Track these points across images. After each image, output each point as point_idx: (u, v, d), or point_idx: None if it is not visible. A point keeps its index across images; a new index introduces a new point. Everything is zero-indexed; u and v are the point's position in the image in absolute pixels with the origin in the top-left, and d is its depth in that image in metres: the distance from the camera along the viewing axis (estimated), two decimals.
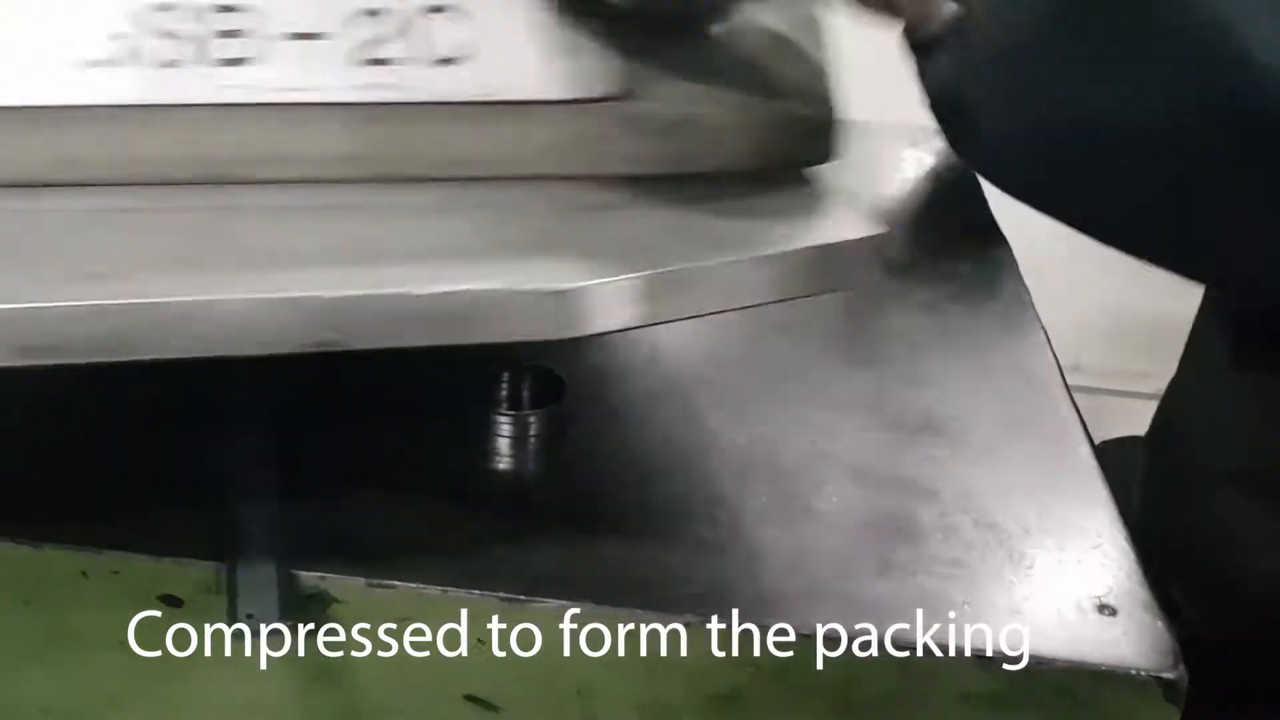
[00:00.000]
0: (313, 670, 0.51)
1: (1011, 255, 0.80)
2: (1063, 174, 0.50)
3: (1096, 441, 0.85)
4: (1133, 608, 0.51)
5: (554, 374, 0.60)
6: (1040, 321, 0.73)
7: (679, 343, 0.67)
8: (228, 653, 0.50)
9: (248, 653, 0.50)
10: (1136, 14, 0.47)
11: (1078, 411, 0.64)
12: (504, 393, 0.61)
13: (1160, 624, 0.50)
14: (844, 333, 0.71)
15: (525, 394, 0.61)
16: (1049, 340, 0.71)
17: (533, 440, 0.58)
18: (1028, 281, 0.76)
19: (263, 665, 0.50)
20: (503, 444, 0.58)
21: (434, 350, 0.62)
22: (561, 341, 0.57)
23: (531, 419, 0.58)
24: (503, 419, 0.58)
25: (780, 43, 0.55)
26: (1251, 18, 0.44)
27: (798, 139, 0.53)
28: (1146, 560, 0.77)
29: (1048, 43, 0.48)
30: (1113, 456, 0.86)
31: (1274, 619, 0.73)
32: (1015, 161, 0.51)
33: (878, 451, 0.60)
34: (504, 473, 0.57)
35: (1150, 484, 0.81)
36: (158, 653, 0.51)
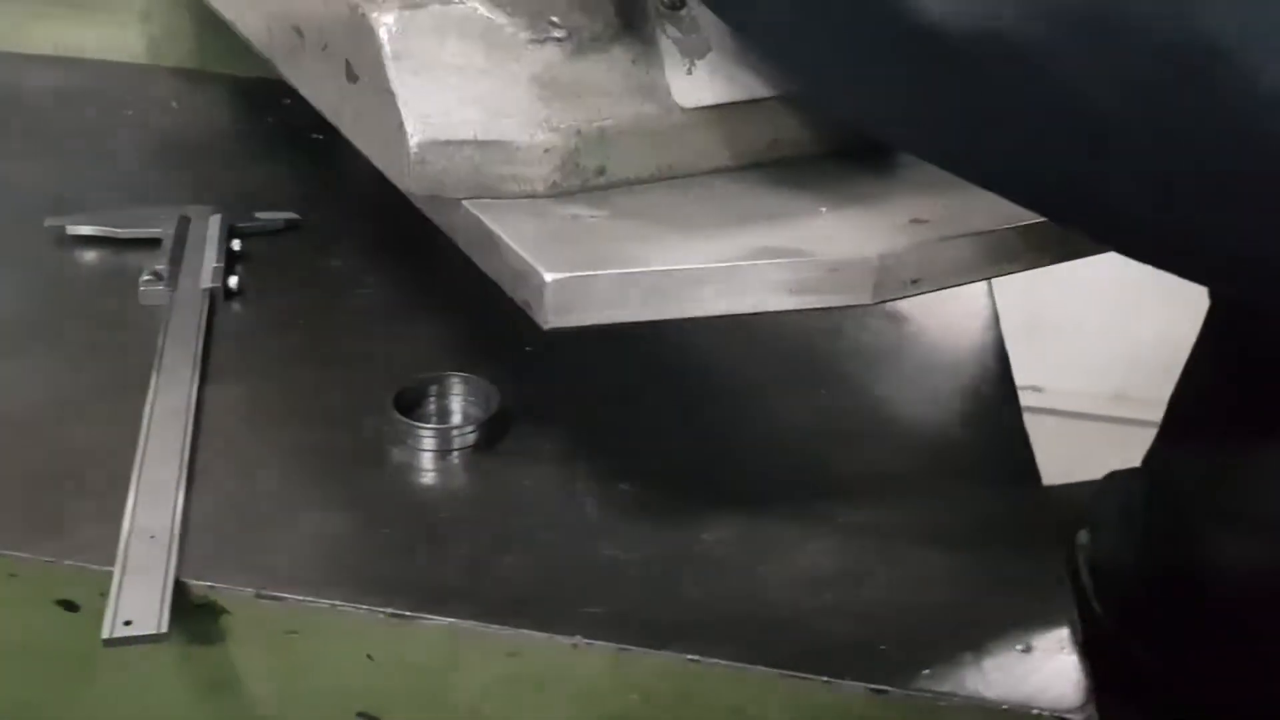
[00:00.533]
0: (203, 681, 0.50)
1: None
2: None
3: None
4: (1048, 645, 0.48)
5: (485, 386, 0.60)
6: (1004, 347, 0.71)
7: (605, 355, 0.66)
8: (123, 661, 0.50)
9: (137, 662, 0.50)
10: None
11: (1027, 444, 0.62)
12: (429, 405, 0.60)
13: (1075, 662, 0.48)
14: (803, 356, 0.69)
15: (455, 405, 0.60)
16: (1009, 371, 0.68)
17: (435, 454, 0.57)
18: (1071, 312, 0.73)
19: (151, 675, 0.50)
20: (408, 455, 0.57)
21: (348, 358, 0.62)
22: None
23: (441, 431, 0.57)
24: (411, 430, 0.57)
25: None
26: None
27: None
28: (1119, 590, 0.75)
29: None
30: (1119, 485, 0.84)
31: (1242, 660, 0.70)
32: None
33: (812, 483, 0.58)
34: (407, 487, 0.56)
35: (1147, 516, 0.79)
36: (54, 658, 0.51)
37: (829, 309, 0.48)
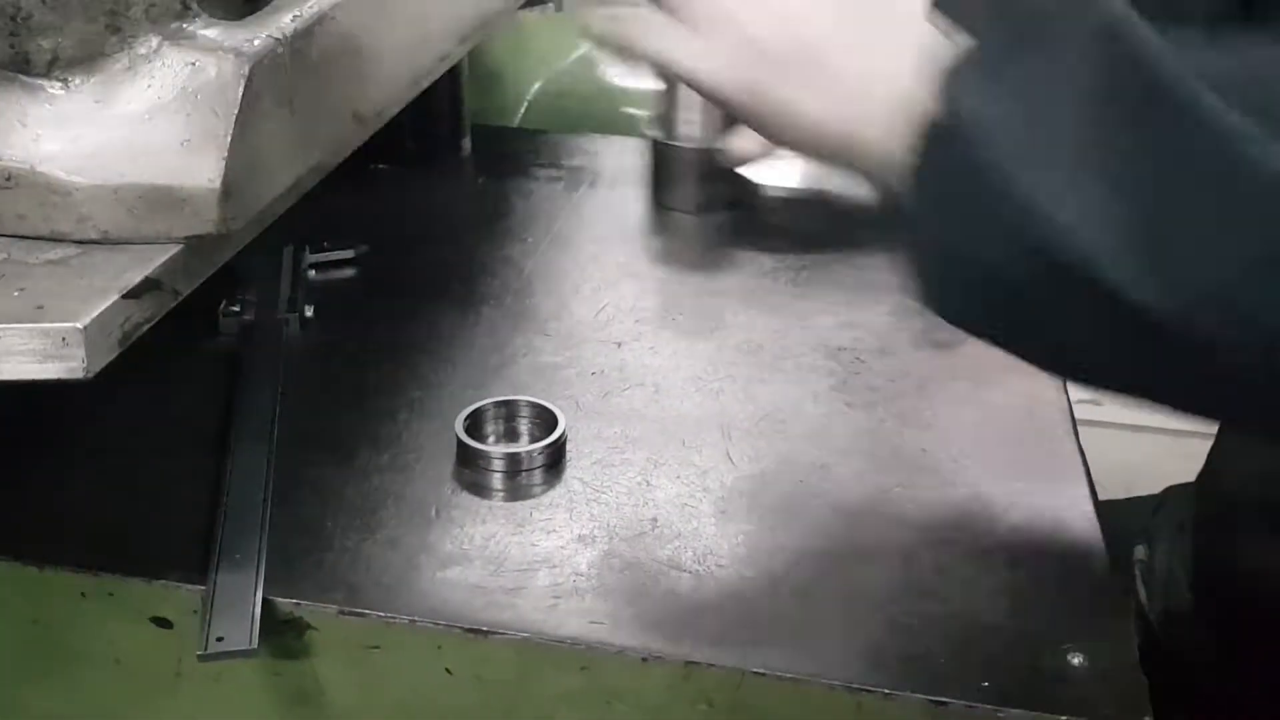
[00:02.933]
0: (289, 694, 0.53)
1: None
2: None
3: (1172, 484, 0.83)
4: (1104, 657, 0.49)
5: (549, 410, 0.62)
6: None
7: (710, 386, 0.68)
8: (213, 675, 0.53)
9: (228, 676, 0.52)
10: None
11: (1082, 457, 0.63)
12: (498, 427, 0.62)
13: (1132, 675, 0.49)
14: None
15: (522, 428, 0.63)
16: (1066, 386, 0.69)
17: (503, 475, 0.59)
18: None
19: (240, 688, 0.53)
20: (480, 476, 0.59)
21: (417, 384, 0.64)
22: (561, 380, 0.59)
23: (510, 454, 0.60)
24: (485, 451, 0.59)
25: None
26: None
27: None
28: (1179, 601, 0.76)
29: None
30: (1176, 500, 0.85)
31: None
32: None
33: (866, 490, 0.59)
34: (483, 505, 0.59)
35: (1198, 527, 0.79)
36: (149, 672, 0.54)
37: None
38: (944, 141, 0.47)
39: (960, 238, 0.47)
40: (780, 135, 0.55)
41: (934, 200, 0.48)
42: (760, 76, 0.54)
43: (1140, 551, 0.83)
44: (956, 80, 0.48)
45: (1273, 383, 0.43)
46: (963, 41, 0.49)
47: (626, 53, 0.59)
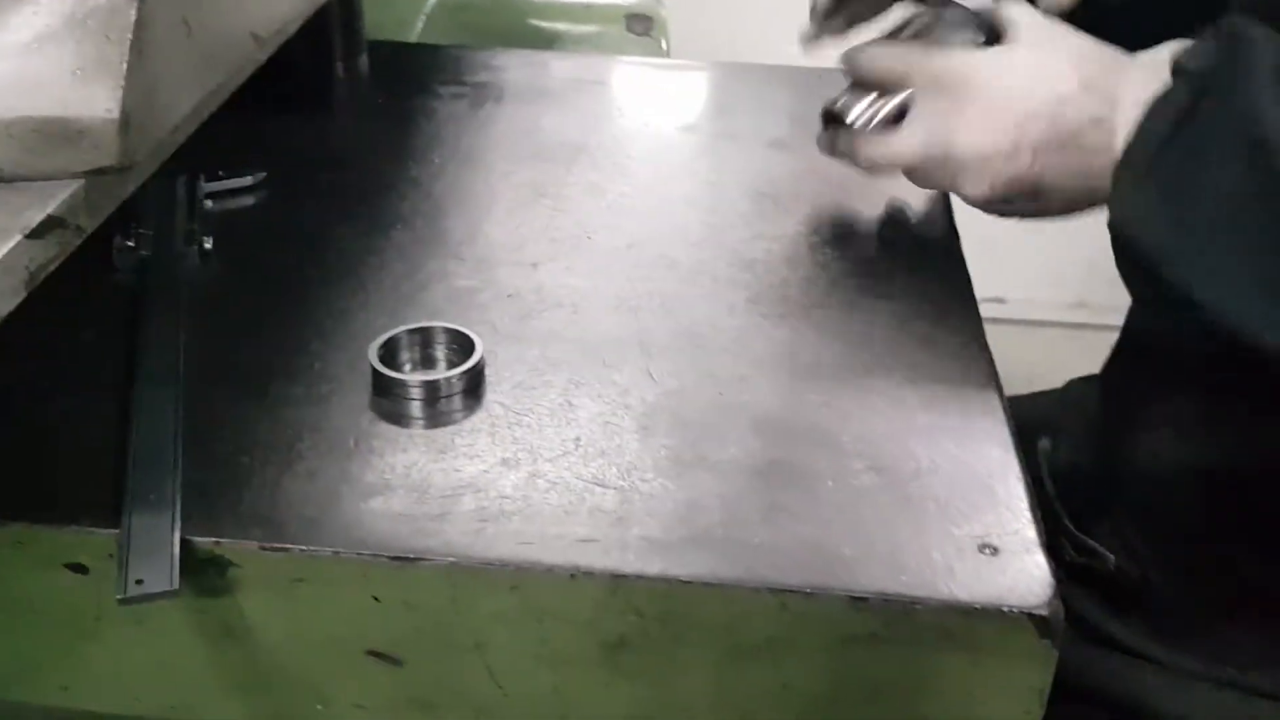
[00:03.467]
0: (216, 632, 0.52)
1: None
2: None
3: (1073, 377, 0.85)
4: (1014, 547, 0.51)
5: (466, 335, 0.61)
6: (963, 259, 0.73)
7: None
8: (135, 617, 0.52)
9: (150, 617, 0.52)
10: None
11: (989, 357, 0.64)
12: (414, 355, 0.62)
13: (1040, 561, 0.51)
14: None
15: (439, 354, 0.62)
16: (971, 288, 0.71)
17: (422, 403, 0.59)
18: (1030, 223, 0.75)
19: (164, 629, 0.52)
20: (397, 405, 0.59)
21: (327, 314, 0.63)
22: (477, 305, 0.58)
23: (427, 382, 0.59)
24: (402, 380, 0.59)
25: None
26: None
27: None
28: (1084, 494, 0.79)
29: None
30: (1078, 393, 0.87)
31: (1199, 555, 0.73)
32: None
33: (782, 401, 0.60)
34: (403, 434, 0.58)
35: (1101, 420, 0.82)
36: (68, 619, 0.53)
37: None
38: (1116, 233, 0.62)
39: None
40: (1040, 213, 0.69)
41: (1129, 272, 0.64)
42: (1006, 205, 0.68)
43: (1045, 444, 0.86)
44: (1118, 180, 0.62)
45: None
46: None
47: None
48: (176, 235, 0.70)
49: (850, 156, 0.74)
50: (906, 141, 0.70)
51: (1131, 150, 0.62)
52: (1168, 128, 0.61)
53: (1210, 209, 0.59)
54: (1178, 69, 0.63)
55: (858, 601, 0.49)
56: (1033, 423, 0.85)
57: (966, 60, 0.70)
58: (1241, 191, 0.58)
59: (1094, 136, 0.65)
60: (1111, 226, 0.63)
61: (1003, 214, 0.71)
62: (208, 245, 0.70)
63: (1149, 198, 0.61)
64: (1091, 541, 0.78)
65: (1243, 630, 0.71)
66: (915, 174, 0.71)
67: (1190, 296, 0.59)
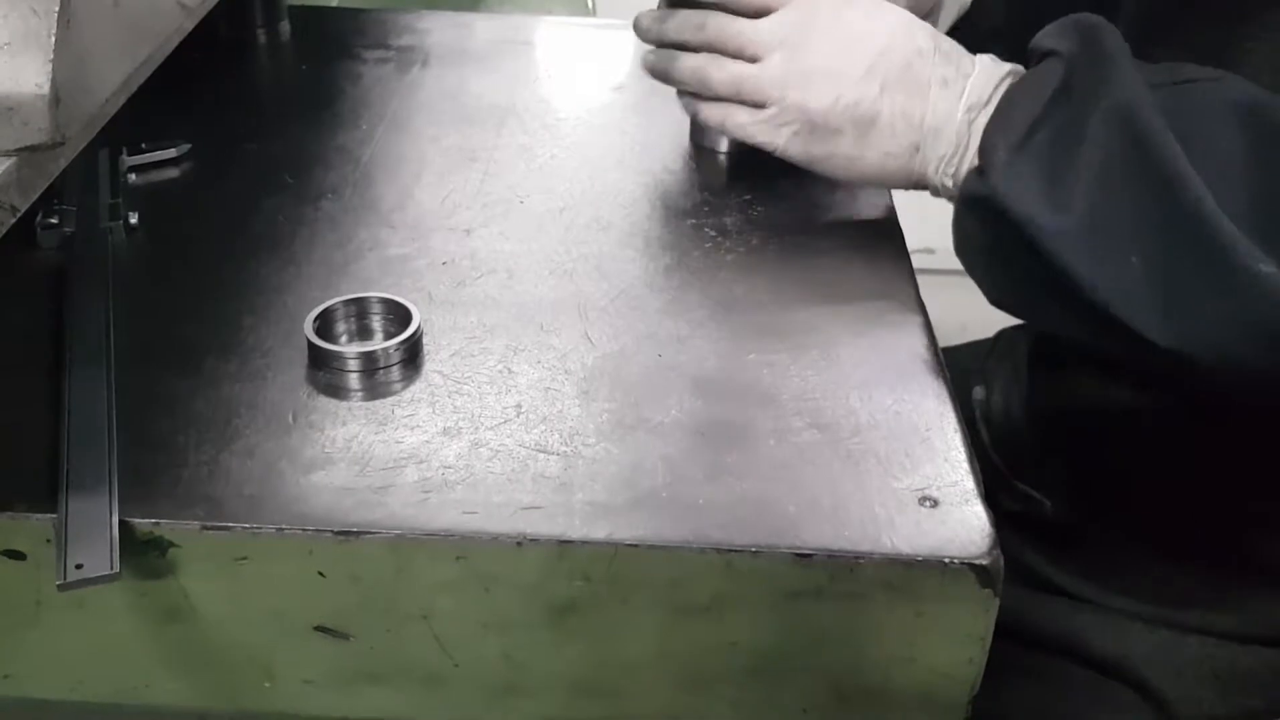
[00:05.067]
0: (160, 613, 0.52)
1: None
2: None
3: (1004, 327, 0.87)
4: (953, 498, 0.52)
5: (402, 305, 0.61)
6: (894, 211, 0.74)
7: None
8: (76, 602, 0.51)
9: (92, 601, 0.51)
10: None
11: (923, 310, 0.65)
12: (350, 326, 0.61)
13: (979, 511, 0.52)
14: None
15: (375, 325, 0.61)
16: (904, 241, 0.71)
17: (360, 375, 0.58)
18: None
19: (107, 612, 0.51)
20: (335, 377, 0.58)
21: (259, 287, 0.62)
22: (411, 273, 0.58)
23: (365, 353, 0.58)
24: (339, 352, 0.58)
25: None
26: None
27: None
28: (1014, 442, 0.80)
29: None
30: (1008, 342, 0.89)
31: (1130, 496, 0.75)
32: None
33: (721, 360, 0.60)
34: (342, 406, 0.58)
35: (1031, 367, 0.84)
36: (7, 605, 0.52)
37: None
38: (980, 202, 0.63)
39: (994, 268, 0.66)
40: (843, 179, 0.70)
41: (976, 246, 0.66)
42: (822, 143, 0.68)
43: (979, 393, 0.87)
44: (990, 148, 0.63)
45: (1231, 382, 0.62)
46: (996, 103, 0.65)
47: (688, 106, 0.73)
48: (101, 210, 0.68)
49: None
50: (764, 29, 0.68)
51: (1007, 120, 0.63)
52: (1041, 105, 0.62)
53: (1094, 192, 0.60)
54: (1036, 50, 0.66)
55: (803, 558, 0.50)
56: (966, 372, 0.87)
57: None
58: (1122, 173, 0.59)
59: (940, 96, 0.66)
60: (982, 200, 0.63)
61: (811, 163, 0.69)
62: (133, 220, 0.68)
63: (1028, 169, 0.61)
64: (1026, 488, 0.80)
65: (1175, 569, 0.73)
66: (764, 78, 0.69)
67: (1076, 279, 0.59)
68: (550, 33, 0.99)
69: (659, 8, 0.74)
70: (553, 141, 0.80)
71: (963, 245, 0.67)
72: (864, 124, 0.67)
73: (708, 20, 0.70)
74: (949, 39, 0.69)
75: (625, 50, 0.94)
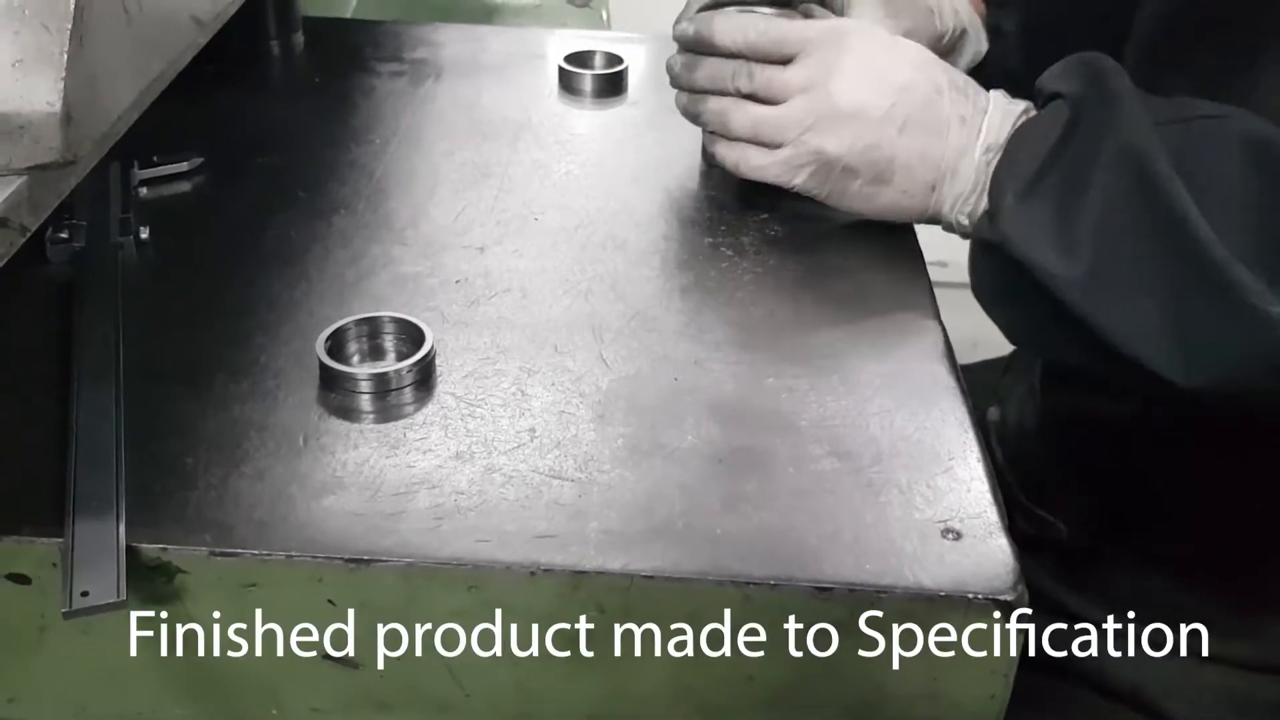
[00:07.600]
0: (165, 640, 0.51)
1: None
2: None
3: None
4: (977, 530, 0.51)
5: (414, 325, 0.60)
6: (913, 228, 0.73)
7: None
8: (81, 627, 0.50)
9: (98, 627, 0.50)
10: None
11: (943, 331, 0.64)
12: (362, 346, 0.60)
13: (1004, 544, 0.51)
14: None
15: (387, 345, 0.61)
16: (923, 258, 0.70)
17: (372, 396, 0.57)
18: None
19: (114, 637, 0.50)
20: (346, 399, 0.57)
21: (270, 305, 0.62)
22: (424, 291, 0.58)
23: (377, 374, 0.57)
24: (350, 373, 0.57)
25: None
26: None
27: None
28: (1029, 467, 0.79)
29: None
30: (1022, 360, 0.88)
31: (1147, 521, 0.74)
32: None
33: (738, 385, 0.59)
34: (353, 429, 0.57)
35: (1045, 387, 0.83)
36: (11, 631, 0.51)
37: None
38: (993, 248, 0.63)
39: (1011, 310, 0.66)
40: (860, 214, 0.70)
41: (992, 289, 0.66)
42: (838, 182, 0.68)
43: (993, 413, 0.86)
44: (999, 193, 0.63)
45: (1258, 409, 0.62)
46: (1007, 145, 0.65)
47: (709, 144, 0.74)
48: (111, 225, 0.67)
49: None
50: (789, 75, 0.68)
51: (1014, 164, 0.63)
52: (1048, 148, 0.62)
53: (1103, 237, 0.59)
54: (1041, 91, 0.66)
55: (823, 591, 0.49)
56: (981, 391, 0.86)
57: (848, 24, 0.71)
58: (1130, 217, 0.59)
59: (958, 135, 0.66)
60: (994, 246, 0.63)
61: (826, 199, 0.69)
62: (144, 235, 0.67)
63: (1037, 214, 0.61)
64: (1042, 512, 0.79)
65: (1192, 595, 0.72)
66: (784, 120, 0.69)
67: (1091, 323, 0.59)
68: (564, 46, 0.98)
69: (680, 52, 0.74)
70: (567, 157, 0.80)
71: (979, 288, 0.67)
72: (880, 165, 0.67)
73: (736, 69, 0.71)
74: (961, 73, 0.69)
75: (640, 64, 0.94)
